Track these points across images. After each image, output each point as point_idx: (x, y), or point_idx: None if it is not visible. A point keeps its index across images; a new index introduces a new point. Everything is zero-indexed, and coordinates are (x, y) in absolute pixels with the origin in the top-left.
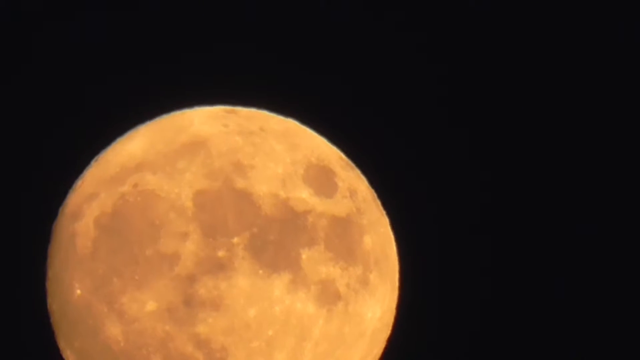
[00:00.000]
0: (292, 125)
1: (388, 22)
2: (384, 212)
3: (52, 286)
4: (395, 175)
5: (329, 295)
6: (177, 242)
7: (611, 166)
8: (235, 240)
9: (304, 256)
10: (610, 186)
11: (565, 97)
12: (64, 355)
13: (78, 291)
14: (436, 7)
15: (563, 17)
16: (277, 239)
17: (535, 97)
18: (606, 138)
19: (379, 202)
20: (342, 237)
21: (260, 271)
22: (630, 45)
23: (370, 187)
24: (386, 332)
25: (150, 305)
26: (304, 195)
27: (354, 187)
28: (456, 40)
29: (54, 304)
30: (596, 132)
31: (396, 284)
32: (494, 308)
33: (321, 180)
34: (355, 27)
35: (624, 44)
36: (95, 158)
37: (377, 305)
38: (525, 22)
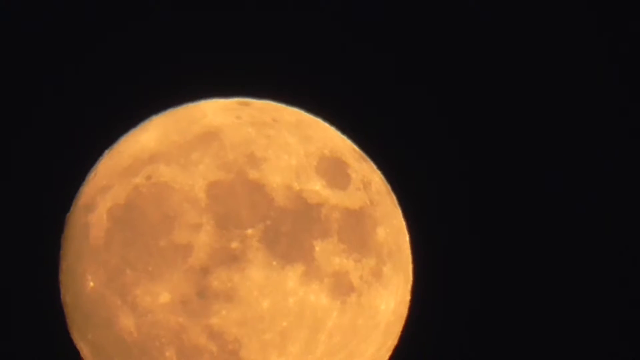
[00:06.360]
0: (305, 117)
1: (399, 18)
2: (397, 204)
3: (65, 278)
4: (409, 168)
5: (342, 287)
6: (191, 233)
7: (616, 167)
8: (249, 231)
9: (317, 248)
10: (620, 190)
11: (573, 93)
12: (77, 347)
13: (91, 283)
14: (445, 5)
15: (561, 19)
16: (291, 230)
17: (543, 94)
18: (608, 139)
19: (392, 194)
20: (356, 229)
21: (274, 263)
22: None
23: (384, 179)
24: (400, 324)
25: (164, 297)
26: (317, 187)
27: (368, 179)
28: (468, 37)
29: (68, 296)
30: (602, 133)
31: (409, 275)
32: (507, 300)
33: (334, 172)
34: (367, 22)
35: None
36: (109, 149)
37: (391, 297)
38: (528, 21)
